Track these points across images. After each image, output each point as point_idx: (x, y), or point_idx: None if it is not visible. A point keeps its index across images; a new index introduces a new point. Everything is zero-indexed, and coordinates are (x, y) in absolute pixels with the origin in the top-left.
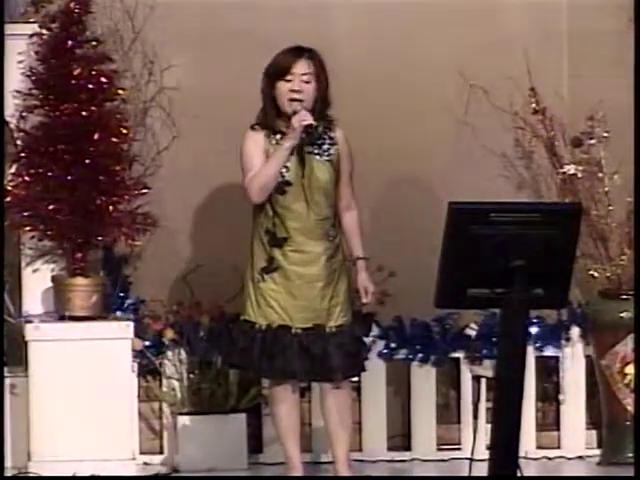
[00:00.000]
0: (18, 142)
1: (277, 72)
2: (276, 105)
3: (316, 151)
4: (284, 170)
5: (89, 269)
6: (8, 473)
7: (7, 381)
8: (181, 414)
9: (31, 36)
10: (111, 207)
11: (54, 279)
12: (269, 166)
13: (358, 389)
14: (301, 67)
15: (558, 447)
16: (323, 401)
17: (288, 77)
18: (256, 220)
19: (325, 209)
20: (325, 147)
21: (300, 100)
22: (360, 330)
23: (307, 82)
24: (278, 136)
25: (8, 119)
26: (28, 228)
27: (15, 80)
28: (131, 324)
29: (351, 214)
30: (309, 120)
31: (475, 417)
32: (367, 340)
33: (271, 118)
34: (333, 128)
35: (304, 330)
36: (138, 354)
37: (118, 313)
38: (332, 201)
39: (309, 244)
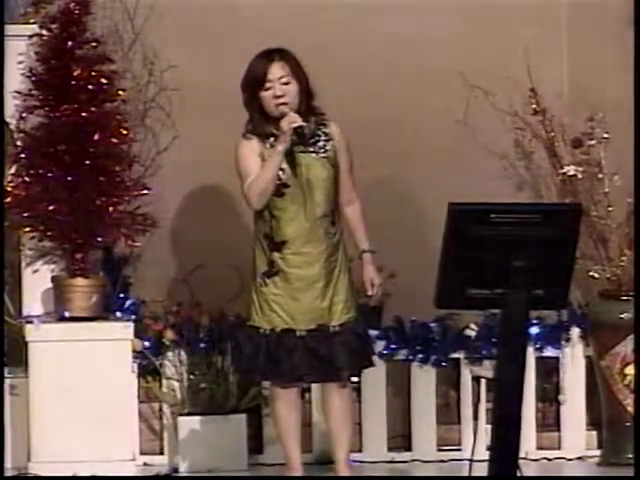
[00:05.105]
0: (18, 143)
1: (255, 82)
2: (262, 111)
3: (311, 149)
4: (280, 172)
5: (89, 270)
6: (8, 473)
7: (7, 382)
8: (181, 415)
9: (31, 37)
10: (111, 208)
11: (54, 279)
12: (265, 172)
13: (358, 389)
14: (276, 71)
15: (558, 448)
16: (326, 401)
17: (267, 85)
18: (256, 225)
19: (325, 207)
20: (320, 144)
21: (285, 103)
22: (366, 325)
23: (287, 84)
24: (272, 139)
25: (8, 120)
26: (28, 228)
27: (15, 81)
28: (131, 325)
29: (353, 207)
30: (298, 122)
31: (475, 418)
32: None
33: (260, 125)
34: (327, 124)
35: (308, 332)
36: (138, 355)
37: (118, 314)
38: (332, 197)
39: (308, 245)
